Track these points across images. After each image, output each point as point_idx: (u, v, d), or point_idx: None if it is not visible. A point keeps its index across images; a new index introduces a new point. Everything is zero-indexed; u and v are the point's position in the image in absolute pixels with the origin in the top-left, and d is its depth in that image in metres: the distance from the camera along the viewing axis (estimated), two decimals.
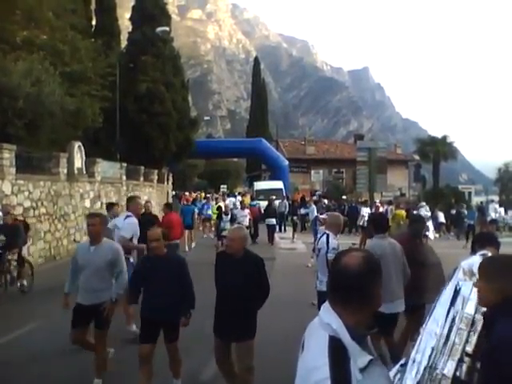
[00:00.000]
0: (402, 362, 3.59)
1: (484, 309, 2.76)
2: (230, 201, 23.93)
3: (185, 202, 23.89)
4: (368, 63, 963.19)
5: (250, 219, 16.78)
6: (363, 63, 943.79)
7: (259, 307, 4.67)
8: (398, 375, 3.46)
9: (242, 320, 4.49)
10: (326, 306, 1.74)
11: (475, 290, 3.25)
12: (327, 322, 1.67)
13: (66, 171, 15.86)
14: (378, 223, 5.69)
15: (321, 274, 6.20)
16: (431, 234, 18.25)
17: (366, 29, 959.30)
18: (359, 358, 1.59)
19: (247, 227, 15.17)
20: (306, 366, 1.65)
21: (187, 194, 30.52)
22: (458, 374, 3.06)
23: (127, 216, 7.55)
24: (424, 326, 3.56)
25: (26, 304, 9.10)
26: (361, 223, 18.24)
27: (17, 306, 8.92)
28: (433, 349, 3.30)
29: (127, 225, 7.35)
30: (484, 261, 2.65)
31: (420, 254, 5.86)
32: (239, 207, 18.54)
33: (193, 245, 17.08)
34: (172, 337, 4.91)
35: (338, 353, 1.59)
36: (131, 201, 8.09)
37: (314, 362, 1.62)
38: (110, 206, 9.91)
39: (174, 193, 35.36)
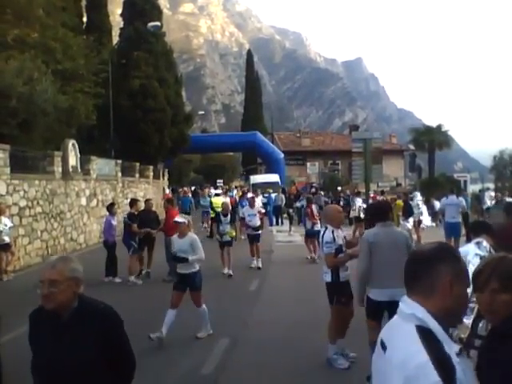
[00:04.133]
0: None
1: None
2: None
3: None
4: (361, 54, 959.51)
5: (261, 218, 13.94)
6: (356, 54, 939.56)
7: None
8: None
9: None
10: (405, 298, 1.70)
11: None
12: (410, 312, 1.63)
13: (60, 170, 15.82)
14: (377, 212, 5.71)
15: (324, 265, 6.31)
16: (426, 220, 18.35)
17: (358, 19, 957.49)
18: (450, 344, 1.57)
19: (257, 228, 12.99)
20: (396, 360, 1.56)
21: (167, 191, 32.86)
22: None
23: None
24: None
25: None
26: (355, 214, 18.05)
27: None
28: None
29: None
30: (494, 264, 2.08)
31: None
32: (247, 204, 14.99)
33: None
34: None
35: (429, 338, 1.55)
36: None
37: (405, 352, 1.54)
38: (134, 201, 11.88)
39: (170, 188, 35.73)
